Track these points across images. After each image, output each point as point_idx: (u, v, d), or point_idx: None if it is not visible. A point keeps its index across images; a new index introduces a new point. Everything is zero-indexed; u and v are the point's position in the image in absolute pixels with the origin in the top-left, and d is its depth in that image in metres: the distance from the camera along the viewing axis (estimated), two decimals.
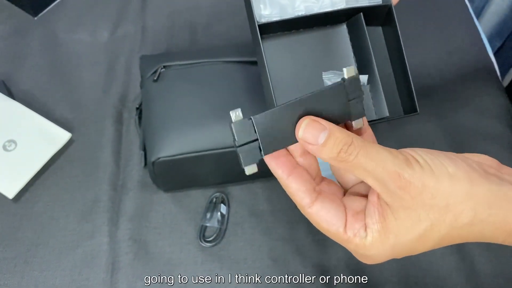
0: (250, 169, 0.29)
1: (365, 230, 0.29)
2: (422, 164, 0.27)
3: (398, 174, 0.27)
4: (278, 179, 0.30)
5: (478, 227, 0.27)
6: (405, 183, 0.27)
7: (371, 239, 0.28)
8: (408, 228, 0.27)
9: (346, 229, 0.29)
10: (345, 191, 0.33)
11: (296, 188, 0.29)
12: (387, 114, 0.45)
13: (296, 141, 0.29)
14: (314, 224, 0.30)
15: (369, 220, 0.29)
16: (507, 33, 1.05)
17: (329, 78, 0.44)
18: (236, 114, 0.28)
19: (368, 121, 0.42)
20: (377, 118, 0.46)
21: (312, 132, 0.28)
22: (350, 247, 0.30)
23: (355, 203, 0.31)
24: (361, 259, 0.31)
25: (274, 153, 0.30)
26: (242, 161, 0.29)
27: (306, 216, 0.30)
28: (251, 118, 0.28)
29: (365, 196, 0.31)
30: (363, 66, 0.46)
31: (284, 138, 0.29)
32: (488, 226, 0.27)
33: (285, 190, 0.30)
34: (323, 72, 0.45)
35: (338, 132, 0.28)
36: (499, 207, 0.27)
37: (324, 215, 0.29)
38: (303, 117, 0.29)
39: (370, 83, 0.45)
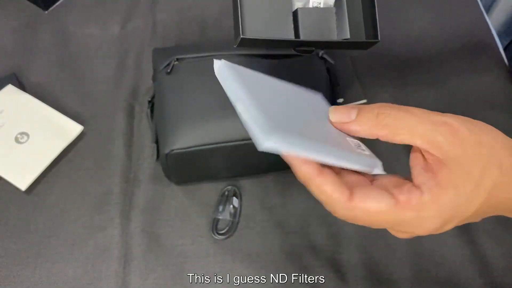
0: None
1: (420, 189, 0.26)
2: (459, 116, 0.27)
3: (444, 122, 0.26)
4: (307, 180, 0.28)
5: None
6: (453, 129, 0.26)
7: (429, 195, 0.26)
8: (464, 179, 0.25)
9: (397, 199, 0.26)
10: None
11: (332, 181, 0.27)
12: (348, 36, 0.47)
13: None
14: (362, 214, 0.27)
15: (420, 179, 0.26)
16: None
17: None
18: None
19: (332, 43, 0.47)
20: (338, 40, 0.47)
21: (342, 111, 0.29)
22: (406, 216, 0.26)
23: (388, 179, 0.29)
24: (417, 231, 0.28)
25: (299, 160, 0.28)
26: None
27: (348, 210, 0.27)
28: None
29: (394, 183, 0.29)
30: None
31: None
32: None
33: (317, 191, 0.28)
34: None
35: (367, 106, 0.28)
36: None
37: (369, 198, 0.27)
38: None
39: (337, 6, 0.47)
